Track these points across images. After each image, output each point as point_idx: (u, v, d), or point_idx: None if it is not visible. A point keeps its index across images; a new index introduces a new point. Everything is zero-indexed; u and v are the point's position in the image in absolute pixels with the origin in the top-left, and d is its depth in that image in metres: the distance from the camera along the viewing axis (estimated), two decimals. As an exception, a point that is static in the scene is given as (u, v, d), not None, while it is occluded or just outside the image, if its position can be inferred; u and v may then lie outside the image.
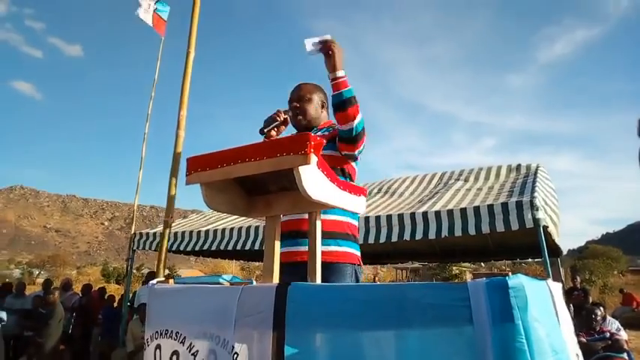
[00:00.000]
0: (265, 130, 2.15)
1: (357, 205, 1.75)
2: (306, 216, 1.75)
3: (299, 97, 2.30)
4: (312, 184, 1.50)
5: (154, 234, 7.28)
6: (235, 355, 1.60)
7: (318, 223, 1.71)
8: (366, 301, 1.43)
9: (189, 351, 1.77)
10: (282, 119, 2.16)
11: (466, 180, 6.33)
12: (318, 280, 1.68)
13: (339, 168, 2.15)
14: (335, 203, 1.62)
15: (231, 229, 6.41)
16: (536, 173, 5.53)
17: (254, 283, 2.07)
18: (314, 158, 1.46)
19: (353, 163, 2.25)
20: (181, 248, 7.03)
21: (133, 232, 7.58)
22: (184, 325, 1.81)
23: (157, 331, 1.92)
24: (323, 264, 1.87)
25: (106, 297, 9.05)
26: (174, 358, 1.82)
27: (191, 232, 6.85)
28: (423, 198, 5.65)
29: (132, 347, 6.49)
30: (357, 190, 1.75)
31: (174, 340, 1.84)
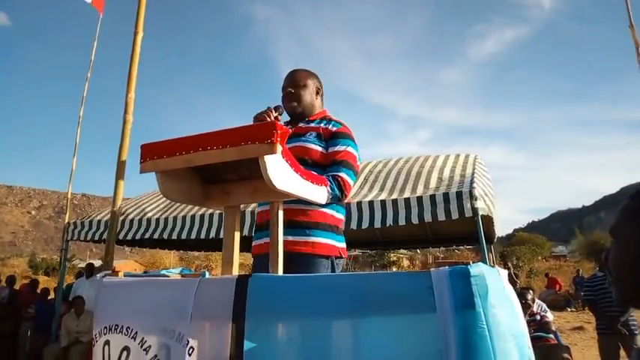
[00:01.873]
0: None
1: (319, 195, 1.74)
2: (293, 206, 1.69)
3: (293, 83, 2.23)
4: (277, 174, 1.47)
5: (90, 223, 6.94)
6: (191, 350, 1.56)
7: (280, 213, 1.68)
8: (330, 290, 1.43)
9: (141, 346, 1.70)
10: (271, 119, 2.01)
11: (409, 169, 6.45)
12: (280, 271, 1.66)
13: (320, 163, 2.08)
14: (298, 193, 1.60)
15: (170, 218, 6.22)
16: (474, 164, 5.74)
17: (207, 274, 2.02)
18: (279, 148, 1.43)
19: None
20: (118, 237, 6.73)
21: (66, 221, 7.19)
22: (136, 319, 1.74)
23: (105, 327, 1.83)
24: (298, 254, 1.84)
25: (38, 290, 8.55)
26: (125, 354, 1.74)
27: (127, 221, 6.57)
28: (368, 186, 5.72)
29: (66, 342, 6.21)
30: (319, 181, 1.74)
31: (125, 335, 1.76)
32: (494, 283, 1.35)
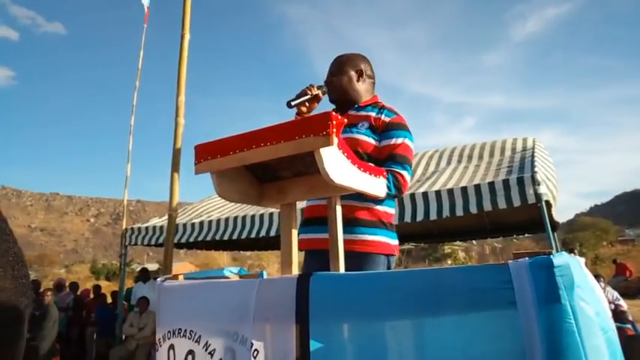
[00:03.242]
0: (292, 104, 1.98)
1: (378, 187, 1.65)
2: (344, 202, 1.63)
3: (331, 72, 2.16)
4: (334, 168, 1.39)
5: (146, 228, 7.15)
6: (255, 352, 1.51)
7: (338, 209, 1.61)
8: (398, 288, 1.34)
9: (206, 350, 1.68)
10: (312, 94, 1.99)
11: (460, 157, 6.27)
12: (342, 269, 1.58)
13: (374, 156, 1.99)
14: (356, 187, 1.52)
15: (224, 219, 6.32)
16: (534, 147, 5.49)
17: (265, 274, 1.98)
18: (335, 139, 1.35)
19: None
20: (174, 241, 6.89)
21: (124, 227, 7.42)
22: (199, 322, 1.72)
23: (169, 331, 1.82)
24: (354, 253, 1.76)
25: (99, 294, 8.88)
26: (190, 358, 1.73)
27: (181, 225, 6.71)
28: (421, 178, 5.59)
29: (133, 345, 6.44)
30: (377, 172, 1.65)
31: (189, 339, 1.74)
32: (579, 274, 1.23)
